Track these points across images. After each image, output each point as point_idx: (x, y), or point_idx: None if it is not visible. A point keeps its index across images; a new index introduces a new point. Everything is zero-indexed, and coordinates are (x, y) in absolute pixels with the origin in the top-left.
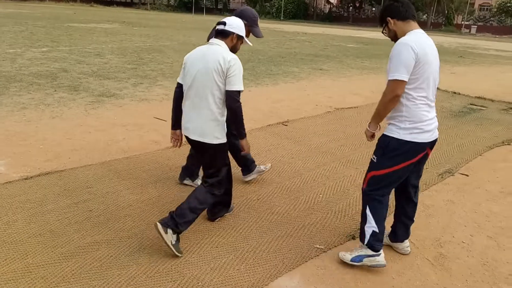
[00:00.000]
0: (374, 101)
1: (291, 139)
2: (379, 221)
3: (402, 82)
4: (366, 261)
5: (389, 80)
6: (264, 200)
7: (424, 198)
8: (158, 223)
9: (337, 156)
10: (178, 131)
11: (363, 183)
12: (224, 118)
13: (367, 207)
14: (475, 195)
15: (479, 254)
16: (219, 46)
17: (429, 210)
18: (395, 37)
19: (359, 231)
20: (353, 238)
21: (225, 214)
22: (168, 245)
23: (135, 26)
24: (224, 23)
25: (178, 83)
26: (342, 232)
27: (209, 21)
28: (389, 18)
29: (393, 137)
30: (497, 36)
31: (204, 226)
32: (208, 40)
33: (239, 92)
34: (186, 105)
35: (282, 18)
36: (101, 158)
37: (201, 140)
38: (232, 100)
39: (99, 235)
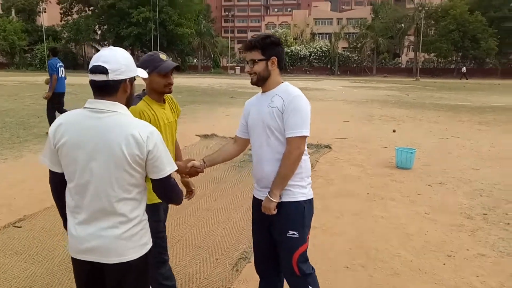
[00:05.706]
0: None
1: (21, 254)
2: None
3: (306, 137)
4: None
5: (295, 137)
6: None
7: None
8: None
9: None
10: None
11: (293, 269)
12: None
13: (309, 286)
14: None
15: None
16: (118, 113)
17: None
18: (262, 79)
19: None
20: None
21: None
22: None
23: None
24: (103, 70)
25: (54, 172)
26: None
27: None
28: (274, 58)
29: (306, 200)
30: None
31: None
32: None
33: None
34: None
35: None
36: None
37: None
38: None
39: None
